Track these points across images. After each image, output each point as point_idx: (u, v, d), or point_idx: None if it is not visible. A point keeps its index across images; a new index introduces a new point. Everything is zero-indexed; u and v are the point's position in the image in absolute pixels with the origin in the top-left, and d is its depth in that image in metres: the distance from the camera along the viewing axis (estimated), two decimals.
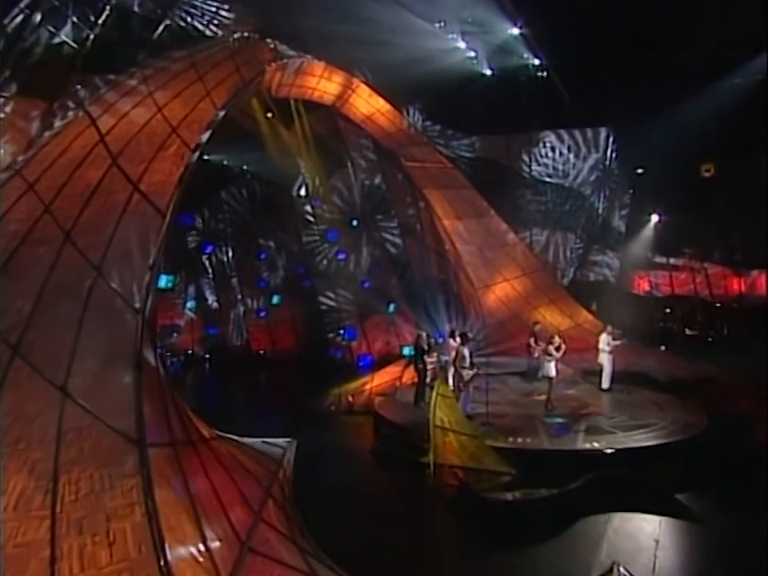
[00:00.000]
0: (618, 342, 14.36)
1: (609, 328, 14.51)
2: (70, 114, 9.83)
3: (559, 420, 11.46)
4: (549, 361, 12.25)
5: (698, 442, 10.23)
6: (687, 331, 22.78)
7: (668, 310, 23.77)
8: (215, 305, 21.57)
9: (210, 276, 21.37)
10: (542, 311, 20.39)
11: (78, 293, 7.35)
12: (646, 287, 23.75)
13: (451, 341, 14.17)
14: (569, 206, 21.40)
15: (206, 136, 9.19)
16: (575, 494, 8.28)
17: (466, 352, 11.53)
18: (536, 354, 15.28)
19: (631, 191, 21.51)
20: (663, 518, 8.05)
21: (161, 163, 8.94)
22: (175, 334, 20.70)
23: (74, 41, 10.80)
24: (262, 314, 21.09)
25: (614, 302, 22.55)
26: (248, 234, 20.79)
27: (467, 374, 11.38)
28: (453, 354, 14.01)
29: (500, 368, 17.24)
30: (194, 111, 9.00)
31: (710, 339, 22.51)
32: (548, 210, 21.52)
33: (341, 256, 20.57)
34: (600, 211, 21.66)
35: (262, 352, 21.00)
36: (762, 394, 15.51)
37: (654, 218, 21.73)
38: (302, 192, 20.53)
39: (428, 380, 13.25)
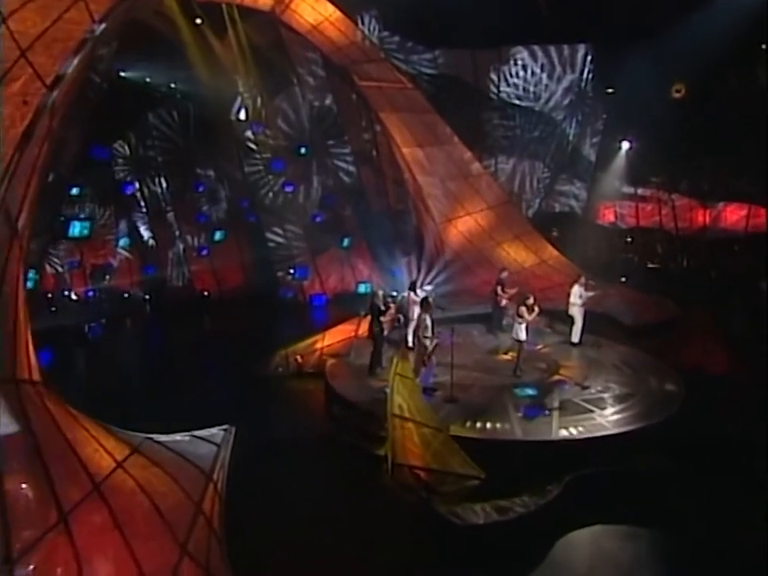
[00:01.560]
0: (591, 294, 13.00)
1: (582, 279, 13.08)
2: None
3: (530, 392, 10.15)
4: (520, 323, 10.78)
5: (680, 420, 9.18)
6: (649, 264, 21.78)
7: (629, 239, 22.64)
8: (152, 242, 19.07)
9: (144, 210, 18.70)
10: (505, 247, 18.87)
11: None
12: (611, 218, 22.39)
13: (412, 294, 12.54)
14: (538, 133, 19.31)
15: (74, 63, 6.42)
16: (553, 506, 7.05)
17: (429, 321, 9.90)
18: (503, 303, 13.91)
19: (605, 116, 19.49)
20: (650, 530, 6.98)
21: None
22: (108, 276, 18.31)
23: None
24: (204, 251, 18.77)
25: (578, 233, 21.40)
26: (183, 163, 17.96)
27: (429, 344, 9.82)
28: (414, 309, 12.45)
29: (462, 309, 15.98)
30: (56, 24, 6.15)
31: (669, 271, 21.69)
32: (516, 137, 19.40)
33: (288, 188, 18.13)
34: (571, 138, 19.68)
35: (206, 293, 18.92)
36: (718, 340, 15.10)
37: (625, 145, 19.95)
38: (242, 115, 17.64)
39: (385, 333, 11.72)
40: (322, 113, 18.19)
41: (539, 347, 12.83)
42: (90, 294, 18.19)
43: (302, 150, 17.99)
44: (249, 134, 17.75)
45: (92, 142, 15.33)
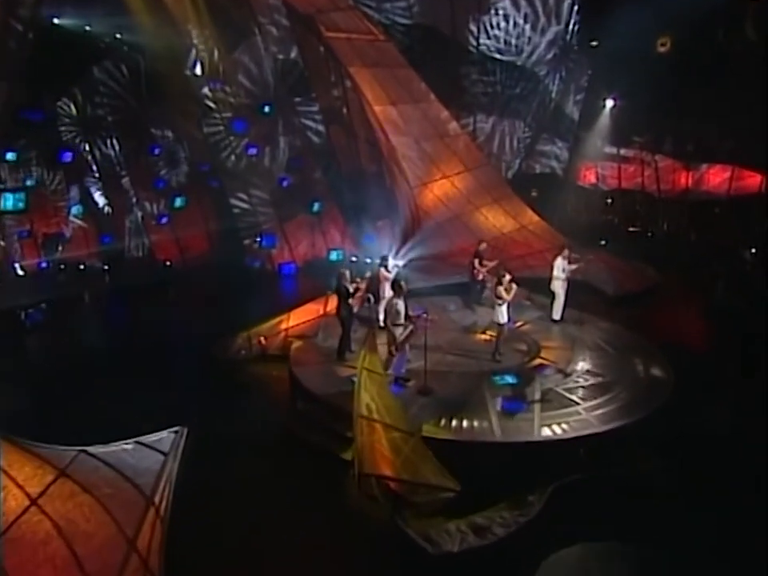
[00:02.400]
0: (574, 267, 12.10)
1: (565, 251, 12.14)
2: None
3: (509, 380, 9.32)
4: (499, 304, 9.85)
5: (669, 411, 8.48)
6: (630, 227, 20.96)
7: (609, 200, 21.73)
8: (107, 209, 17.53)
9: (96, 176, 17.06)
10: (484, 212, 17.81)
11: None
12: (593, 179, 21.41)
13: (383, 271, 11.50)
14: (520, 89, 17.97)
15: None
16: (535, 524, 6.30)
17: (401, 305, 8.91)
18: (480, 277, 12.97)
19: (590, 72, 18.16)
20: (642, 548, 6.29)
21: None
22: (60, 247, 16.84)
23: None
24: (163, 219, 17.32)
25: (558, 195, 20.44)
26: (136, 123, 16.23)
27: (401, 332, 8.87)
28: (385, 286, 11.45)
29: (439, 279, 15.05)
30: None
31: (649, 234, 20.95)
32: (496, 94, 18.04)
33: (252, 150, 16.60)
34: (553, 95, 18.37)
35: (168, 263, 17.58)
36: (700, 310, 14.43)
37: (609, 103, 18.77)
38: (198, 70, 15.89)
39: (355, 309, 10.74)
40: (286, 67, 16.53)
41: (518, 324, 11.99)
42: (43, 266, 16.75)
43: (266, 109, 16.39)
44: (206, 90, 16.05)
45: (28, 101, 13.59)
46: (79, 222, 17.50)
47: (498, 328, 10.04)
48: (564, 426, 7.95)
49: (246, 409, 9.30)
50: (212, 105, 16.14)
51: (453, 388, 9.10)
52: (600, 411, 8.34)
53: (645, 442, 7.89)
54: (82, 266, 17.38)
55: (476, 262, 12.81)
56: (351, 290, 9.81)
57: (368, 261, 18.41)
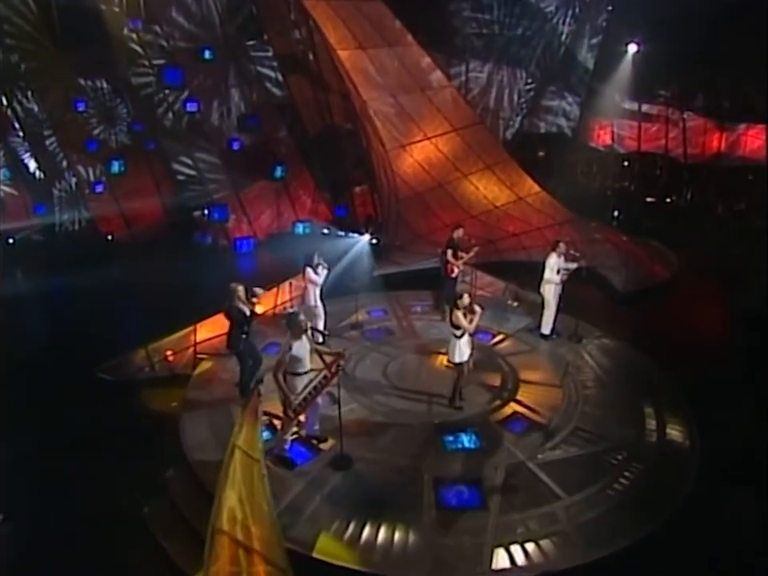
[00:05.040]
0: (573, 266, 8.85)
1: (561, 246, 8.82)
2: None
3: (465, 444, 6.36)
4: (457, 336, 6.73)
5: (695, 516, 5.48)
6: (648, 197, 17.32)
7: (626, 163, 17.99)
8: (39, 174, 14.45)
9: (20, 135, 13.89)
10: (474, 181, 14.43)
11: None
12: (608, 140, 17.62)
13: (309, 272, 8.39)
14: (521, 30, 14.07)
15: None
16: None
17: (303, 348, 5.84)
18: (454, 274, 9.78)
19: (609, 9, 14.15)
20: None
21: None
22: None
23: None
24: (99, 187, 14.17)
25: (566, 158, 16.84)
26: (53, 72, 12.88)
27: (301, 383, 5.83)
28: (312, 293, 8.42)
29: (414, 262, 12.05)
30: None
31: (668, 201, 17.31)
32: (492, 35, 14.18)
33: (191, 105, 13.19)
34: (564, 38, 14.45)
35: (110, 237, 14.60)
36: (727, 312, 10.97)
37: (632, 49, 14.84)
38: (116, 4, 12.27)
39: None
40: (234, 1, 12.90)
41: (494, 338, 8.93)
42: None
43: (206, 54, 12.84)
44: (126, 31, 12.50)
45: None
46: (7, 189, 14.49)
47: (456, 367, 6.96)
48: (531, 549, 5.01)
49: (100, 476, 6.46)
50: (138, 49, 12.63)
51: (382, 457, 6.18)
52: (590, 516, 5.37)
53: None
54: (11, 239, 14.52)
55: (449, 253, 9.59)
56: (247, 313, 6.76)
57: (340, 235, 15.39)
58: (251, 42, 13.41)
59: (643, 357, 8.36)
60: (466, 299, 6.74)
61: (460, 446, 6.35)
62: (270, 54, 13.72)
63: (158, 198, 14.50)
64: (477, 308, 6.77)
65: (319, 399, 6.10)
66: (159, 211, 14.66)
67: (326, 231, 15.54)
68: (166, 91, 13.02)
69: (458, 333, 6.73)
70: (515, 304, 10.38)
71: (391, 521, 5.29)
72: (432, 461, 6.08)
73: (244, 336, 6.77)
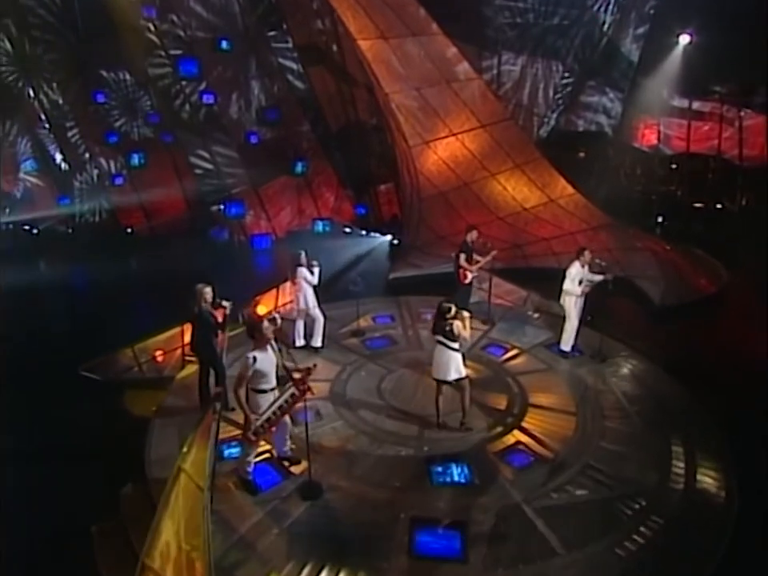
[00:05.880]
0: (597, 279, 7.79)
1: (586, 254, 7.77)
2: None
3: (455, 478, 5.50)
4: (455, 349, 5.87)
5: None
6: (696, 203, 15.79)
7: (674, 167, 16.47)
8: (64, 165, 14.38)
9: (46, 126, 13.82)
10: (502, 180, 13.44)
11: None
12: (653, 140, 16.17)
13: (303, 272, 7.70)
14: (559, 19, 12.94)
15: None
16: None
17: (267, 359, 5.09)
18: (467, 280, 8.89)
19: None
20: None
21: None
22: (8, 209, 13.98)
23: None
24: (118, 180, 13.95)
25: (607, 160, 15.56)
26: (75, 63, 12.64)
27: (265, 401, 5.08)
28: (305, 294, 7.74)
29: (434, 265, 11.22)
30: None
31: (719, 207, 15.71)
32: (527, 25, 13.10)
33: (207, 98, 12.73)
34: (606, 28, 13.21)
35: (130, 230, 14.40)
36: None
37: (684, 40, 13.44)
38: None
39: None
40: None
41: (506, 353, 7.99)
42: None
43: (223, 45, 12.33)
44: (142, 21, 12.09)
45: None
46: (33, 179, 14.52)
47: (459, 383, 6.08)
48: None
49: (59, 485, 5.94)
50: (154, 39, 12.24)
51: (357, 488, 5.39)
52: None
53: None
54: (35, 230, 14.54)
55: (462, 257, 8.71)
56: (219, 318, 6.09)
57: (361, 234, 14.69)
58: (272, 33, 12.83)
59: (677, 383, 7.23)
60: (453, 308, 5.85)
61: (448, 479, 5.49)
62: (291, 45, 13.12)
63: (178, 191, 14.18)
64: (465, 312, 5.91)
65: (286, 418, 5.37)
66: (179, 205, 14.35)
67: (347, 230, 14.90)
68: (183, 82, 12.60)
69: (456, 345, 5.87)
70: (536, 315, 9.39)
71: (353, 566, 4.51)
72: (413, 496, 5.26)
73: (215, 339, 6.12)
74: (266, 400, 5.12)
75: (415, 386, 7.11)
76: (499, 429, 6.27)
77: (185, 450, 4.75)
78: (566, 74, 13.87)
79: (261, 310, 9.83)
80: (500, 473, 5.56)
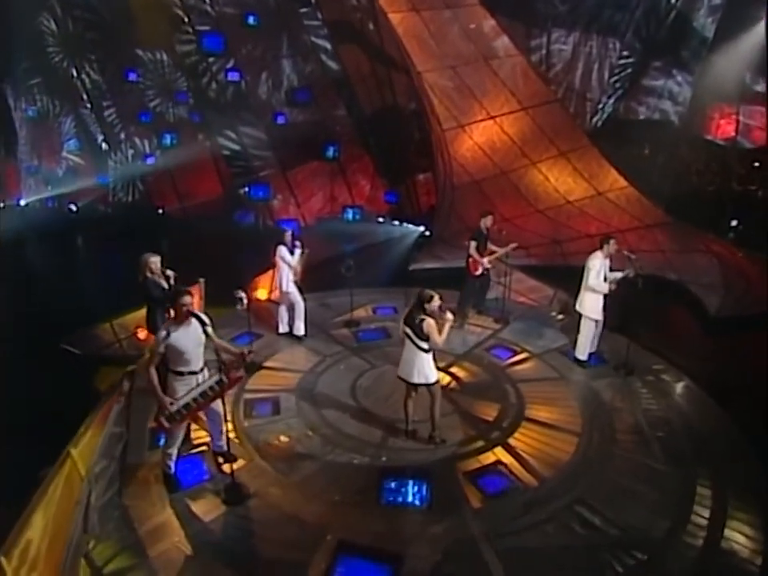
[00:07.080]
0: (620, 276, 6.41)
1: (611, 243, 6.41)
2: None
3: (408, 497, 4.47)
4: (426, 350, 4.85)
5: None
6: None
7: (756, 165, 14.32)
8: (104, 145, 14.50)
9: (88, 106, 13.94)
10: (544, 170, 12.17)
11: None
12: (730, 131, 14.08)
13: (284, 251, 6.90)
14: None
15: None
16: None
17: (191, 341, 4.27)
18: (478, 272, 7.74)
19: None
20: None
21: None
22: (49, 187, 14.25)
23: None
24: (150, 159, 13.85)
25: (672, 153, 13.73)
26: (114, 42, 12.58)
27: (183, 385, 4.29)
28: (286, 276, 6.96)
29: (456, 259, 10.14)
30: None
31: None
32: None
33: (233, 75, 12.25)
34: (672, 0, 11.54)
35: (161, 210, 14.29)
36: None
37: None
38: None
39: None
40: None
41: (514, 356, 6.81)
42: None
43: (251, 20, 11.78)
44: None
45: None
46: (75, 158, 14.74)
47: (430, 390, 5.04)
48: None
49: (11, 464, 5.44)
50: (181, 14, 11.88)
51: (288, 497, 4.49)
52: None
53: None
54: (74, 207, 14.75)
55: (472, 246, 7.58)
56: (165, 286, 5.33)
57: (394, 224, 13.81)
58: (304, 10, 12.17)
59: (717, 409, 5.81)
60: (435, 302, 4.82)
61: (399, 498, 4.48)
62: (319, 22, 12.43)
63: (210, 173, 13.89)
64: (448, 314, 4.83)
65: (219, 407, 4.57)
66: (211, 187, 14.05)
67: (380, 219, 14.09)
68: (210, 59, 12.22)
69: (425, 345, 4.84)
70: (560, 317, 8.10)
71: None
72: (351, 514, 4.31)
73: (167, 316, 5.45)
74: (183, 384, 4.35)
75: (394, 386, 6.10)
76: (479, 444, 5.17)
77: (80, 431, 4.07)
78: (625, 54, 12.26)
79: (260, 293, 9.24)
80: (465, 498, 4.48)
